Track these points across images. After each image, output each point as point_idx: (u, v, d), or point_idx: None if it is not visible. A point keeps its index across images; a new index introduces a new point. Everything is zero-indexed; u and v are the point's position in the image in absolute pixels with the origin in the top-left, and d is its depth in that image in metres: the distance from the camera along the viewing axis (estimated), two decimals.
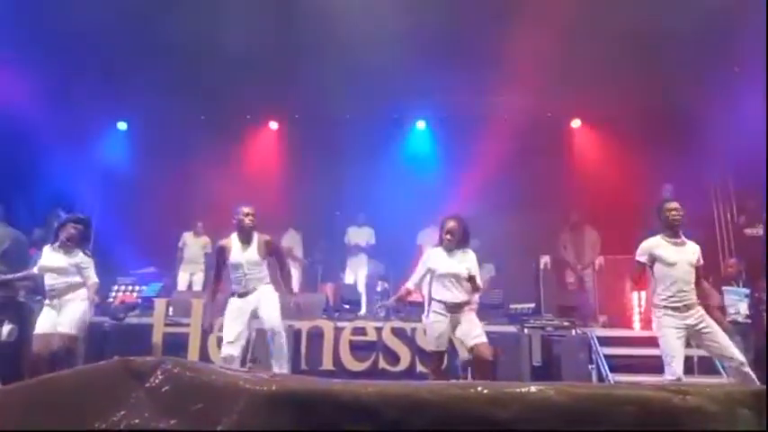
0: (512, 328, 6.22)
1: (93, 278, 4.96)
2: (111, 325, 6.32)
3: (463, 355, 5.09)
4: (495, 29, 6.85)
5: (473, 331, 4.46)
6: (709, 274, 5.03)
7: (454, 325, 4.50)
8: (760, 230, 7.30)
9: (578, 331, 6.13)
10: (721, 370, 5.19)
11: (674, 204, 4.38)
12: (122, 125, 9.85)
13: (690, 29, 6.41)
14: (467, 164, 9.36)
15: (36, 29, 6.74)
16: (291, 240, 8.64)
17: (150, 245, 8.58)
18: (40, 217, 7.14)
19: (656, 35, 6.75)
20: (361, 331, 6.24)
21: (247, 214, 4.73)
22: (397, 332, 6.20)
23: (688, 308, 4.18)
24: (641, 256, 4.40)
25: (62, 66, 7.45)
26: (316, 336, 6.17)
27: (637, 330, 6.75)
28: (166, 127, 9.72)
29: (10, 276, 5.17)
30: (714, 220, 8.37)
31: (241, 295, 4.69)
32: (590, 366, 5.79)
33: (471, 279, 4.47)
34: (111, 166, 9.49)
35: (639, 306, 7.01)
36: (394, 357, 6.11)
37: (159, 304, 6.40)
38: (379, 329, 6.23)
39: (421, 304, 7.51)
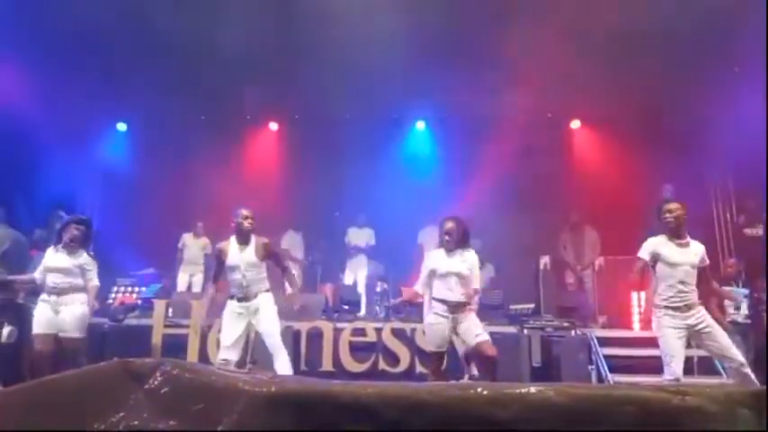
0: (511, 329, 6.22)
1: (95, 281, 4.97)
2: (111, 326, 6.32)
3: (462, 350, 5.08)
4: (495, 29, 6.85)
5: (475, 330, 4.46)
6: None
7: (455, 325, 4.50)
8: (760, 230, 7.30)
9: (578, 332, 6.13)
10: (721, 370, 5.19)
11: (669, 206, 4.35)
12: (122, 126, 9.85)
13: (690, 29, 6.42)
14: (466, 164, 9.38)
15: (36, 29, 6.74)
16: (290, 241, 8.64)
17: (150, 246, 8.58)
18: (41, 218, 7.13)
19: (656, 35, 6.75)
20: (361, 332, 6.24)
21: (246, 217, 4.74)
22: (397, 333, 6.20)
23: (689, 308, 4.17)
24: (644, 253, 4.37)
25: (62, 66, 7.44)
26: (315, 337, 6.17)
27: (636, 331, 6.75)
28: (166, 127, 9.74)
29: (11, 277, 5.17)
30: (714, 219, 8.38)
31: (240, 300, 4.70)
32: (590, 367, 5.80)
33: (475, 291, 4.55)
34: (110, 166, 9.50)
35: (639, 306, 7.01)
36: (394, 358, 6.11)
37: (159, 305, 6.39)
38: (378, 330, 6.22)
39: (421, 305, 7.57)
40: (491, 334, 4.65)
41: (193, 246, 8.52)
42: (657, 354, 5.11)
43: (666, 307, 4.20)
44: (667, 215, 4.31)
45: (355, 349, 6.15)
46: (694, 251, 4.30)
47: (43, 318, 4.74)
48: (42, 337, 4.67)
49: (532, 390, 1.73)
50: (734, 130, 7.31)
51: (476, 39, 7.19)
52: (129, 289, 7.82)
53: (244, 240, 4.74)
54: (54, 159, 7.92)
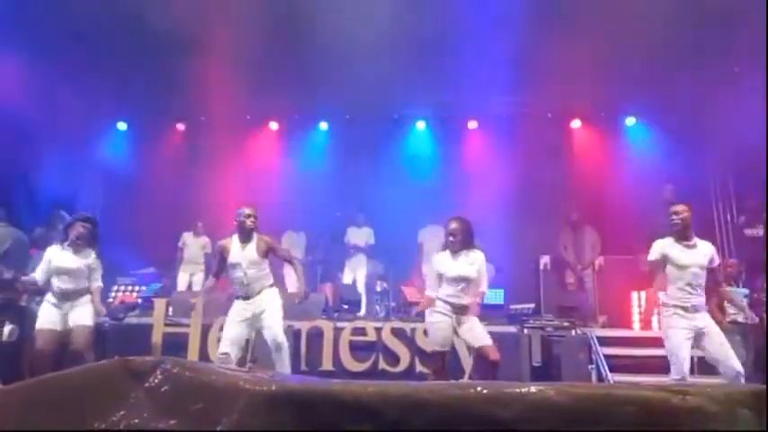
0: (511, 329, 6.22)
1: (99, 282, 4.97)
2: (111, 325, 6.31)
3: (464, 355, 5.09)
4: (496, 29, 6.84)
5: (478, 333, 4.45)
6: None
7: (457, 325, 4.48)
8: (760, 231, 7.29)
9: (578, 331, 6.13)
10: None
11: (676, 208, 4.36)
12: (123, 125, 9.85)
13: (690, 28, 6.42)
14: (467, 164, 9.39)
15: (36, 29, 6.74)
16: (290, 242, 8.64)
17: (150, 245, 8.58)
18: (41, 217, 7.13)
19: (656, 34, 6.74)
20: (361, 331, 6.24)
21: (248, 216, 4.77)
22: (397, 332, 6.20)
23: (696, 309, 4.19)
24: (654, 255, 4.38)
25: (62, 65, 7.44)
26: (315, 336, 6.17)
27: (636, 331, 6.75)
28: (166, 127, 9.75)
29: (18, 282, 5.15)
30: (714, 220, 8.37)
31: (245, 299, 4.73)
32: (590, 366, 5.80)
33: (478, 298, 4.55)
34: (111, 166, 9.50)
35: (639, 306, 7.02)
36: (394, 358, 6.11)
37: (159, 304, 6.39)
38: (378, 330, 6.22)
39: (419, 304, 7.57)
40: (491, 333, 4.64)
41: (193, 245, 8.52)
42: (658, 353, 5.12)
43: (675, 306, 4.21)
44: (674, 217, 4.31)
45: (355, 349, 6.15)
46: (703, 252, 4.31)
47: (48, 316, 4.71)
48: (45, 334, 4.63)
49: (533, 389, 1.73)
50: (734, 130, 7.31)
51: (476, 39, 7.18)
52: (130, 288, 7.83)
53: (245, 238, 4.76)
54: (54, 158, 7.92)
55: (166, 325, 6.27)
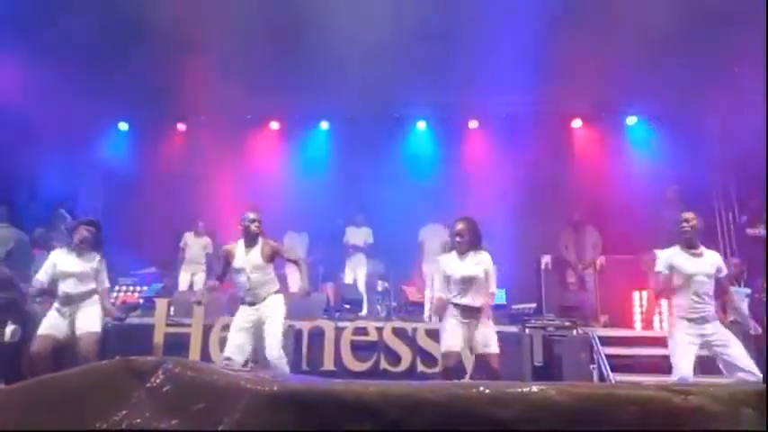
0: (513, 328, 6.21)
1: (106, 283, 5.00)
2: (113, 325, 6.31)
3: (467, 355, 5.05)
4: (496, 29, 6.84)
5: (488, 340, 4.42)
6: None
7: (470, 330, 4.45)
8: (762, 230, 7.28)
9: (579, 331, 6.12)
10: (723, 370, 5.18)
11: (686, 215, 4.31)
12: (124, 125, 9.86)
13: (691, 28, 6.41)
14: (468, 164, 9.39)
15: (38, 29, 6.75)
16: (290, 242, 8.63)
17: (151, 245, 8.59)
18: (42, 217, 7.14)
19: (657, 33, 6.74)
20: (363, 331, 6.23)
21: (253, 220, 4.79)
22: (399, 332, 6.19)
23: (704, 320, 4.15)
24: (661, 267, 4.33)
25: (63, 65, 7.44)
26: (316, 336, 6.17)
27: (638, 330, 6.74)
28: (167, 127, 9.75)
29: (12, 276, 5.17)
30: (716, 219, 8.36)
31: (250, 304, 4.74)
32: (591, 366, 5.78)
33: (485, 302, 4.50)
34: (112, 166, 9.51)
35: (641, 306, 7.01)
36: (395, 357, 6.10)
37: (160, 304, 6.40)
38: (380, 329, 6.22)
39: (422, 304, 7.58)
40: None
41: (195, 245, 8.52)
42: (659, 353, 5.11)
43: (682, 317, 4.18)
44: (684, 225, 4.27)
45: (357, 348, 6.15)
46: (710, 261, 4.27)
47: (52, 321, 4.70)
48: (43, 339, 4.63)
49: (534, 389, 1.73)
50: (736, 129, 7.30)
51: (476, 38, 7.19)
52: (131, 288, 7.83)
53: (251, 243, 4.79)
54: (55, 158, 7.93)
55: (168, 325, 6.27)
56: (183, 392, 1.80)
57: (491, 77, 7.94)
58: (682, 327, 4.16)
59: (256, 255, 4.75)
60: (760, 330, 5.18)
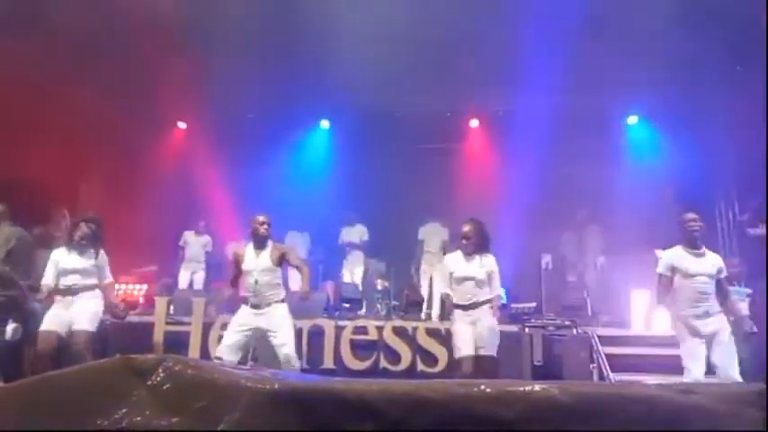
0: (513, 328, 6.21)
1: (110, 278, 5.03)
2: (112, 323, 6.31)
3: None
4: (497, 29, 6.83)
5: (487, 341, 4.43)
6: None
7: (474, 324, 4.45)
8: (763, 230, 7.26)
9: (579, 330, 6.11)
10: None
11: (692, 215, 4.33)
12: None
13: (692, 27, 6.41)
14: (469, 163, 9.38)
15: (36, 23, 6.72)
16: (292, 242, 8.62)
17: (151, 243, 8.59)
18: (43, 215, 7.12)
19: (657, 33, 6.73)
20: (363, 330, 6.24)
21: (262, 223, 4.81)
22: (399, 331, 6.20)
23: (708, 314, 4.19)
24: (663, 268, 4.35)
25: (65, 63, 7.42)
26: (316, 334, 6.18)
27: (638, 330, 6.73)
28: (168, 125, 9.74)
29: (14, 275, 5.17)
30: (716, 218, 8.35)
31: (253, 306, 4.73)
32: (591, 366, 5.78)
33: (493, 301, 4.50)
34: (112, 163, 9.49)
35: (641, 306, 6.99)
36: (395, 356, 6.11)
37: (160, 303, 6.41)
38: (380, 328, 6.22)
39: (420, 303, 7.57)
40: None
41: (195, 243, 8.53)
42: (659, 353, 5.12)
43: (687, 315, 4.20)
44: (693, 224, 4.28)
45: (356, 347, 6.16)
46: (711, 262, 4.29)
47: (53, 315, 4.73)
48: (46, 335, 4.65)
49: (536, 388, 1.72)
50: (738, 128, 7.30)
51: (477, 38, 7.18)
52: (131, 286, 7.83)
53: (260, 245, 4.80)
54: (55, 156, 7.90)
55: (168, 323, 6.28)
56: (184, 390, 1.80)
57: (493, 77, 7.93)
58: (689, 328, 4.17)
59: (265, 258, 4.76)
60: (755, 329, 5.19)
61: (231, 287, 5.03)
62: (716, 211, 8.41)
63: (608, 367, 5.63)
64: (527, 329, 6.03)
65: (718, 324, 4.17)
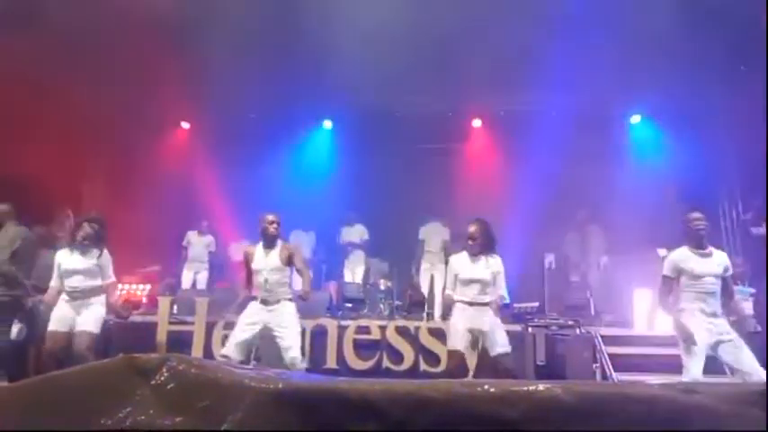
0: (516, 327, 6.20)
1: (113, 277, 5.02)
2: (115, 323, 6.33)
3: (469, 353, 5.03)
4: (498, 28, 6.81)
5: (498, 340, 4.42)
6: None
7: (478, 327, 4.44)
8: (763, 229, 7.24)
9: (582, 330, 6.10)
10: (726, 369, 5.16)
11: (698, 215, 4.28)
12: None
13: (695, 26, 6.39)
14: (471, 162, 9.37)
15: (36, 21, 6.74)
16: (296, 241, 8.62)
17: (154, 243, 8.60)
18: (46, 215, 7.13)
19: (660, 32, 6.71)
20: (365, 330, 6.24)
21: (272, 222, 4.84)
22: (401, 331, 6.20)
23: (715, 315, 4.14)
24: (669, 271, 4.30)
25: (66, 63, 7.43)
26: (319, 334, 6.18)
27: (641, 330, 6.72)
28: (171, 125, 9.76)
29: (15, 273, 5.17)
30: (719, 217, 8.33)
31: (263, 302, 4.76)
32: (594, 365, 5.77)
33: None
34: (115, 163, 9.52)
35: (644, 305, 6.97)
36: (398, 356, 6.11)
37: (163, 302, 6.42)
38: (382, 328, 6.22)
39: (423, 303, 7.57)
40: None
41: (198, 243, 8.55)
42: (662, 352, 5.09)
43: (690, 318, 4.14)
44: (698, 223, 4.23)
45: (359, 347, 6.16)
46: (717, 261, 4.24)
47: (61, 315, 4.75)
48: (54, 335, 4.69)
49: (540, 387, 1.71)
50: (741, 127, 7.28)
51: (478, 38, 7.16)
52: (135, 286, 7.85)
53: (269, 245, 4.83)
54: (58, 156, 7.92)
55: (171, 323, 6.29)
56: (188, 390, 1.80)
57: (494, 76, 7.92)
58: (692, 324, 4.12)
59: (275, 257, 4.79)
60: (759, 328, 5.17)
61: (245, 287, 5.03)
62: (719, 210, 8.38)
63: (611, 367, 5.62)
64: (530, 329, 6.02)
65: (724, 327, 4.12)
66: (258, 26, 6.84)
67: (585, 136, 8.59)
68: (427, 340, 6.06)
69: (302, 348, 5.95)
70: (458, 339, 4.44)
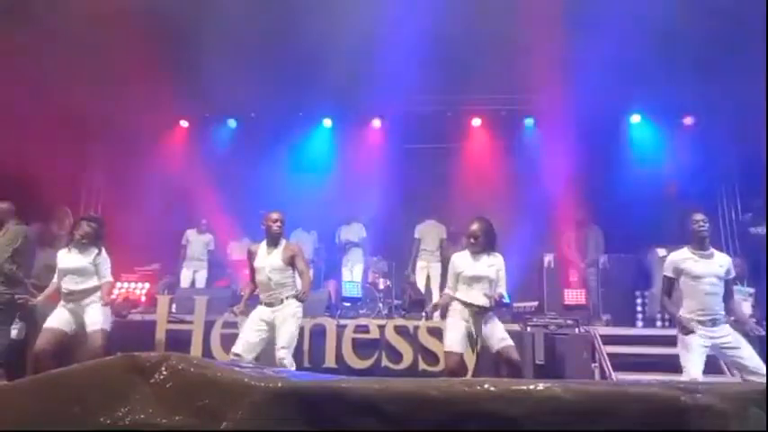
0: (515, 327, 6.20)
1: (108, 277, 5.00)
2: (115, 322, 6.31)
3: (469, 353, 5.02)
4: (498, 28, 6.81)
5: (497, 334, 4.40)
6: None
7: (477, 328, 4.42)
8: (763, 229, 7.25)
9: (581, 330, 6.11)
10: (725, 369, 5.17)
11: (700, 216, 4.27)
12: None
13: (696, 25, 6.39)
14: (470, 161, 9.36)
15: (36, 20, 6.73)
16: (297, 240, 8.61)
17: (153, 242, 8.59)
18: (45, 213, 7.13)
19: (660, 32, 6.71)
20: (364, 329, 6.24)
21: (276, 221, 4.83)
22: (400, 330, 6.20)
23: (714, 322, 4.11)
24: (668, 271, 4.30)
25: (66, 62, 7.42)
26: (318, 333, 6.18)
27: (640, 329, 6.73)
28: (170, 123, 9.74)
29: (16, 272, 5.17)
30: (719, 217, 8.34)
31: (268, 305, 4.77)
32: (593, 365, 5.78)
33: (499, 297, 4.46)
34: (113, 162, 9.51)
35: (643, 305, 6.99)
36: (397, 355, 6.11)
37: (162, 301, 6.42)
38: (381, 327, 6.23)
39: (422, 302, 7.57)
40: None
41: (197, 242, 8.54)
42: (661, 352, 5.10)
43: (691, 320, 4.12)
44: (700, 224, 4.22)
45: (358, 346, 6.16)
46: (719, 262, 4.22)
47: (58, 313, 4.76)
48: (49, 333, 4.67)
49: (540, 387, 1.71)
50: (741, 127, 7.28)
51: (479, 37, 7.16)
52: (133, 285, 7.83)
53: (273, 243, 4.83)
54: (57, 154, 7.91)
55: (170, 322, 6.29)
56: (187, 389, 1.79)
57: (494, 76, 7.92)
58: (691, 336, 4.10)
59: (277, 257, 4.78)
60: (761, 331, 5.16)
61: (250, 285, 5.04)
62: (718, 211, 8.39)
63: (610, 366, 5.63)
64: (529, 328, 6.02)
65: (725, 330, 4.11)
66: (258, 25, 6.84)
67: (585, 136, 8.60)
68: (426, 339, 6.06)
69: (301, 347, 6.02)
70: (455, 341, 4.39)
